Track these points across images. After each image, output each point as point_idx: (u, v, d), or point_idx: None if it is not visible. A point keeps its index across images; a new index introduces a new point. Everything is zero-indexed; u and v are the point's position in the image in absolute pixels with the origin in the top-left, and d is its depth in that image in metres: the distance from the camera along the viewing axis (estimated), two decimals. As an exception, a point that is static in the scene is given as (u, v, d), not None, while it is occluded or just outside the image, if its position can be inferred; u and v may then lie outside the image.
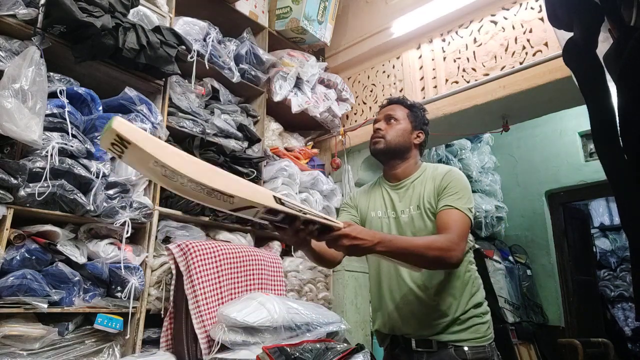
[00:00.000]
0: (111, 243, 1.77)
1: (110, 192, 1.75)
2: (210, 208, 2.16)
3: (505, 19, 2.47)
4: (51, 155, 1.55)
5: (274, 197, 0.91)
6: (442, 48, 2.72)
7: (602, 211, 5.81)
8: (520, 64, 2.34)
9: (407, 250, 1.20)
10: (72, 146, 1.63)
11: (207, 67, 2.32)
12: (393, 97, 1.67)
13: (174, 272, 1.87)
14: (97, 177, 1.68)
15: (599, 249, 5.70)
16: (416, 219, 1.45)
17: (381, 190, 1.60)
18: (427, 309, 1.42)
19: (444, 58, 2.70)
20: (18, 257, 1.49)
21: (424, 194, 1.45)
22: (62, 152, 1.60)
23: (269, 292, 2.02)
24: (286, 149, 2.80)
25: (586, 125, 3.96)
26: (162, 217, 2.00)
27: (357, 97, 3.16)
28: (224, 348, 1.67)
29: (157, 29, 1.95)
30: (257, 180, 2.43)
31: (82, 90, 1.76)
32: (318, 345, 1.65)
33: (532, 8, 2.36)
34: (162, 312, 1.88)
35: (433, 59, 2.75)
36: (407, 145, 1.55)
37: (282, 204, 0.92)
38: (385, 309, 1.52)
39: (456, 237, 1.27)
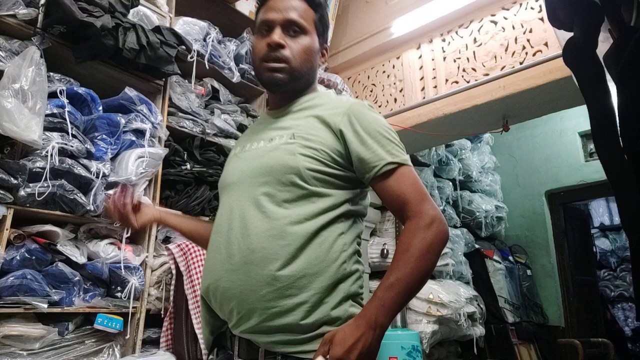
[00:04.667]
0: (111, 243, 1.77)
1: (110, 192, 1.74)
2: (210, 208, 2.16)
3: (505, 19, 2.46)
4: (51, 155, 1.55)
5: None
6: (442, 48, 2.72)
7: (602, 211, 5.81)
8: (520, 64, 2.34)
9: (408, 289, 0.81)
10: (72, 146, 1.63)
11: (207, 67, 2.32)
12: None
13: (174, 272, 1.87)
14: (97, 177, 1.68)
15: (599, 249, 5.70)
16: (280, 151, 0.92)
17: (256, 124, 1.12)
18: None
19: (444, 58, 2.70)
20: (18, 257, 1.49)
21: (310, 123, 0.95)
22: (62, 152, 1.60)
23: (269, 292, 2.02)
24: (286, 149, 2.80)
25: (586, 125, 3.97)
26: (162, 217, 2.00)
27: (357, 97, 3.16)
28: (224, 348, 1.67)
29: (157, 29, 1.95)
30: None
31: (82, 90, 1.76)
32: (318, 345, 1.65)
33: (532, 8, 2.36)
34: (162, 312, 1.88)
35: (433, 59, 2.75)
36: (314, 72, 1.05)
37: None
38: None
39: (428, 207, 0.86)
